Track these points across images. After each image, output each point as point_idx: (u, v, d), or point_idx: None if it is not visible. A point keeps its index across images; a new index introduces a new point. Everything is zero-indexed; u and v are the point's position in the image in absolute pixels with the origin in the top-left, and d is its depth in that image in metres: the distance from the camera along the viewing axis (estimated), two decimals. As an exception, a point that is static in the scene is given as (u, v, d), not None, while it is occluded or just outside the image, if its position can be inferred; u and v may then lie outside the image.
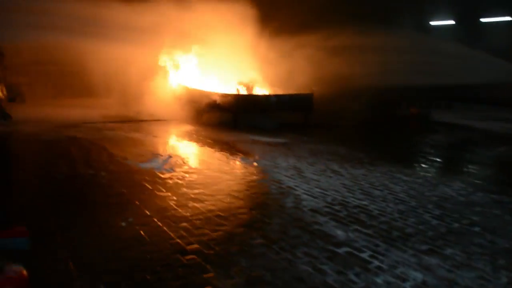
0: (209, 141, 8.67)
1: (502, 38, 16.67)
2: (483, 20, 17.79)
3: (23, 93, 12.28)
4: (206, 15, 10.73)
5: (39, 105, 12.04)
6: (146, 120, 10.77)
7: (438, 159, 7.99)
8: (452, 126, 11.82)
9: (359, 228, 4.39)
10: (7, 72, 10.03)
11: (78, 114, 11.26)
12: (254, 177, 6.15)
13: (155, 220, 4.43)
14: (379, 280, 3.37)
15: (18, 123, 9.66)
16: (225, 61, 11.08)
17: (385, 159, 7.45)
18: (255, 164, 6.87)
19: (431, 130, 11.15)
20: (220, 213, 4.67)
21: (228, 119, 10.37)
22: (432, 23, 19.62)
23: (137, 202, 4.93)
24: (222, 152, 7.66)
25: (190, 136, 9.11)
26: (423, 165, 7.33)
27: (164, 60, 11.79)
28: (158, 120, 10.82)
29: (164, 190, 5.39)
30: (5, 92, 9.69)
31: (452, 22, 19.09)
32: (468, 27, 18.10)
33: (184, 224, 4.35)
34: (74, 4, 9.68)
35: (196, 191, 5.39)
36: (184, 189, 5.44)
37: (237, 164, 6.86)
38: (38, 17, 9.08)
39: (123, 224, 4.31)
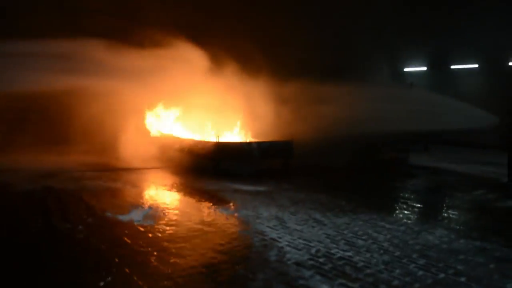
0: (190, 190, 8.58)
1: (471, 84, 17.56)
2: (453, 67, 18.66)
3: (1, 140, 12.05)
4: (184, 63, 10.88)
5: (15, 153, 11.77)
6: (125, 169, 10.63)
7: (418, 205, 8.05)
8: (430, 169, 12.01)
9: (345, 282, 4.32)
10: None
11: (55, 163, 11.05)
12: (236, 229, 6.06)
13: (135, 278, 4.28)
14: None
15: (-8, 173, 9.42)
16: (205, 109, 11.16)
17: (366, 206, 7.46)
18: (236, 214, 6.78)
19: (410, 174, 11.29)
20: (202, 270, 4.54)
21: (209, 167, 10.32)
22: (406, 69, 20.41)
23: (116, 260, 4.77)
24: (203, 202, 7.56)
25: (171, 185, 8.99)
26: (405, 212, 7.36)
27: (144, 108, 11.82)
28: (138, 168, 10.69)
29: (144, 245, 5.24)
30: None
31: (424, 68, 19.92)
32: (439, 74, 18.99)
33: (166, 282, 4.21)
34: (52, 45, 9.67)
35: (178, 245, 5.26)
36: (165, 244, 5.30)
37: (218, 215, 6.75)
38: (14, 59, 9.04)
39: (102, 284, 4.14)
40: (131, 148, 11.14)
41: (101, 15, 12.24)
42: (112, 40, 10.34)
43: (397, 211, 7.42)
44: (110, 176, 9.71)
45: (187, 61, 10.72)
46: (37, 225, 6.08)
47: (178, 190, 8.57)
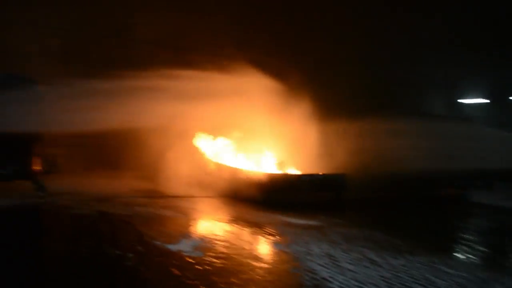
0: (240, 221, 8.45)
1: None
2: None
3: (59, 165, 12.52)
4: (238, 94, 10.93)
5: (74, 177, 12.22)
6: (176, 196, 10.70)
7: (483, 248, 7.47)
8: (495, 208, 11.25)
9: (403, 333, 3.98)
10: (44, 145, 10.29)
11: (109, 187, 11.34)
12: (287, 265, 5.84)
13: (182, 314, 4.15)
14: None
15: (52, 195, 9.75)
16: (258, 139, 11.12)
17: (424, 247, 7.00)
18: (286, 250, 6.56)
19: (472, 213, 10.63)
20: (250, 308, 4.36)
21: (260, 198, 10.17)
22: (464, 100, 19.60)
23: (163, 291, 4.69)
24: (253, 235, 7.41)
25: (220, 215, 8.93)
26: (468, 255, 6.84)
27: (196, 135, 11.93)
28: (188, 196, 10.73)
29: (192, 278, 5.13)
30: (42, 165, 9.88)
31: (481, 100, 19.03)
32: (498, 105, 18.06)
33: (213, 320, 4.05)
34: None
35: (226, 280, 5.11)
36: (214, 278, 5.17)
37: (268, 249, 6.57)
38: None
39: (148, 317, 4.05)
40: (182, 175, 11.23)
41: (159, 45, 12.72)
42: (169, 67, 10.62)
43: (458, 254, 6.91)
44: (161, 203, 9.80)
45: (247, 88, 10.77)
46: (88, 249, 6.14)
47: (228, 221, 8.48)
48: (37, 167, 9.55)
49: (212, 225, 8.33)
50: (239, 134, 11.56)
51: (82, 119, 9.28)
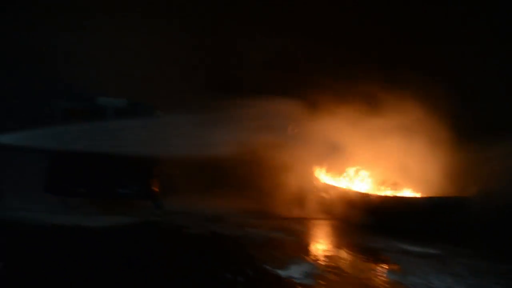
0: (352, 246, 8.07)
1: None
2: None
3: (176, 185, 13.20)
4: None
5: (189, 197, 12.76)
6: (286, 218, 10.61)
7: None
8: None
9: None
10: (163, 167, 10.90)
11: (222, 207, 11.61)
12: (404, 300, 5.38)
13: None
14: None
15: (169, 214, 10.26)
16: (374, 161, 10.63)
17: None
18: (402, 281, 6.07)
19: None
20: None
21: (374, 222, 9.65)
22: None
23: (273, 322, 4.57)
24: (365, 262, 7.01)
25: (332, 240, 8.66)
26: None
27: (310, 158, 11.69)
28: (299, 218, 10.57)
29: (302, 308, 4.95)
30: (160, 186, 10.48)
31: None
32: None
33: None
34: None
35: (338, 312, 4.84)
36: (325, 309, 4.93)
37: (382, 280, 6.13)
38: None
39: None
40: (293, 196, 11.12)
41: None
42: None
43: None
44: (272, 225, 9.76)
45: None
46: (199, 272, 6.27)
47: (339, 246, 8.16)
48: (156, 187, 10.14)
49: (323, 250, 8.07)
50: (353, 155, 11.13)
51: (198, 143, 9.67)
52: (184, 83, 13.60)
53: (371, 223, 9.64)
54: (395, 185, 10.31)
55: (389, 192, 9.90)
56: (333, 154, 10.98)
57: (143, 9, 13.87)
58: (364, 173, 11.02)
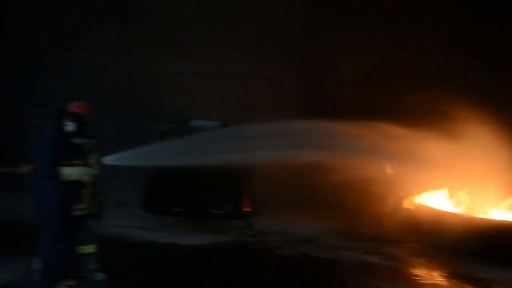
0: (457, 276, 7.37)
1: None
2: None
3: (266, 204, 13.16)
4: None
5: (279, 216, 12.64)
6: (382, 240, 10.02)
7: None
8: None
9: None
10: (253, 185, 10.89)
11: (313, 227, 11.31)
12: None
13: None
14: None
15: (259, 234, 10.20)
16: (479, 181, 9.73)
17: None
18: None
19: None
20: None
21: (479, 248, 8.75)
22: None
23: None
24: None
25: (434, 267, 7.95)
26: None
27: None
28: (396, 241, 9.92)
29: None
30: (251, 205, 10.45)
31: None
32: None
33: None
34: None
35: None
36: None
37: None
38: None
39: None
40: (389, 218, 10.51)
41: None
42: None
43: None
44: (366, 247, 9.26)
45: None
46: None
47: (442, 275, 7.47)
48: (247, 207, 10.15)
49: (423, 278, 7.44)
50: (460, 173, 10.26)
51: (293, 157, 9.49)
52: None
53: (477, 249, 8.76)
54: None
55: (503, 216, 8.94)
56: (434, 174, 10.21)
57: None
58: (467, 194, 10.11)
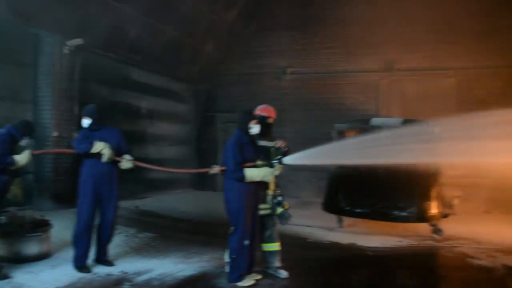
0: None
1: None
2: None
3: (455, 206, 11.97)
4: None
5: (470, 221, 11.35)
6: None
7: None
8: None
9: None
10: (441, 186, 9.94)
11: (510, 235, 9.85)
12: None
13: None
14: None
15: (448, 240, 9.28)
16: None
17: None
18: None
19: None
20: None
21: None
22: None
23: None
24: None
25: None
26: None
27: None
28: None
29: None
30: (439, 207, 9.57)
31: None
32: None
33: None
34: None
35: None
36: None
37: None
38: None
39: None
40: None
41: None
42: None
43: None
44: None
45: None
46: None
47: None
48: (434, 209, 9.33)
49: None
50: None
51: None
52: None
53: None
54: None
55: None
56: None
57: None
58: None
